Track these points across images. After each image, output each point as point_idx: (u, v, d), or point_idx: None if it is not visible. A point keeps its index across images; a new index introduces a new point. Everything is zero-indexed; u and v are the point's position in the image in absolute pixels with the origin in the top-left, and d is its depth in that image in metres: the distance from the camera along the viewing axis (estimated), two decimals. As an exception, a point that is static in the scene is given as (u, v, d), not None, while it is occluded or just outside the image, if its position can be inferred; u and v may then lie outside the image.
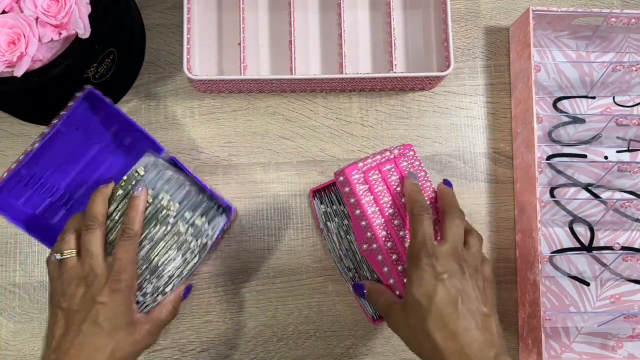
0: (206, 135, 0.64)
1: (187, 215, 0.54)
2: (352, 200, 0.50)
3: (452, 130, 0.66)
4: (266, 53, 0.65)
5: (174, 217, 0.54)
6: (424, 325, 0.44)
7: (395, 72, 0.62)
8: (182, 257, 0.55)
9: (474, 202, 0.65)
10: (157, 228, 0.54)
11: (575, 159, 0.65)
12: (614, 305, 0.63)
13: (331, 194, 0.59)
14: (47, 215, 0.58)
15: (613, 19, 0.62)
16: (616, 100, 0.67)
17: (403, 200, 0.51)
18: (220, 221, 0.55)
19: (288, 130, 0.65)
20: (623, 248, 0.64)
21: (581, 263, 0.64)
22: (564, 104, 0.67)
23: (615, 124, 0.64)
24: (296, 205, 0.63)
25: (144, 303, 0.54)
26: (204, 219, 0.54)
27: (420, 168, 0.53)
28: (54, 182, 0.58)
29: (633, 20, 0.62)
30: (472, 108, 0.66)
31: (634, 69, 0.64)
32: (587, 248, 0.64)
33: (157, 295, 0.54)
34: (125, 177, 0.54)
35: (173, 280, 0.55)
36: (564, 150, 0.66)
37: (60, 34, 0.50)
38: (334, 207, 0.58)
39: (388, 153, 0.53)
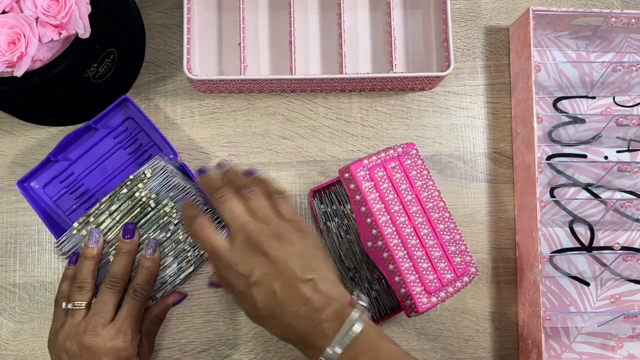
0: (206, 135, 0.64)
1: None
2: (358, 197, 0.51)
3: (452, 130, 0.66)
4: (266, 53, 0.65)
5: (175, 224, 0.54)
6: (260, 323, 0.44)
7: (395, 72, 0.62)
8: (177, 265, 0.55)
9: (474, 202, 0.65)
10: (156, 233, 0.54)
11: (575, 159, 0.65)
12: (614, 305, 0.63)
13: (331, 194, 0.59)
14: (61, 205, 0.59)
15: (613, 19, 0.62)
16: (616, 100, 0.67)
17: (409, 198, 0.51)
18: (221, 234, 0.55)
19: (288, 130, 0.65)
20: (623, 248, 0.64)
21: (581, 263, 0.64)
22: (564, 104, 0.67)
23: (615, 124, 0.64)
24: (296, 205, 0.63)
25: None
26: None
27: (423, 167, 0.54)
28: (77, 176, 0.60)
29: (633, 20, 0.62)
30: (472, 108, 0.66)
31: (634, 69, 0.64)
32: (587, 248, 0.64)
33: (150, 300, 0.55)
34: (131, 177, 0.54)
35: (165, 286, 0.55)
36: (564, 150, 0.66)
37: (60, 34, 0.50)
38: (334, 207, 0.58)
39: (392, 151, 0.53)
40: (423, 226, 0.51)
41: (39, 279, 0.61)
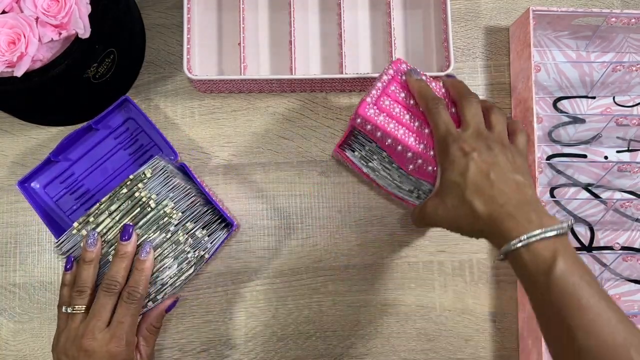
0: (206, 135, 0.64)
1: (189, 225, 0.54)
2: (379, 133, 0.52)
3: (452, 130, 0.66)
4: (266, 53, 0.65)
5: (175, 225, 0.54)
6: (463, 199, 0.46)
7: (395, 72, 0.62)
8: (177, 266, 0.55)
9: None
10: (156, 234, 0.54)
11: (575, 159, 0.65)
12: (614, 305, 0.63)
13: (357, 138, 0.58)
14: (61, 205, 0.59)
15: (613, 19, 0.62)
16: (616, 100, 0.67)
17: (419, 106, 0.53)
18: (221, 236, 0.55)
19: (288, 130, 0.65)
20: (623, 248, 0.64)
21: (581, 263, 0.64)
22: (564, 104, 0.67)
23: (615, 124, 0.64)
24: (296, 205, 0.63)
25: None
26: (205, 231, 0.54)
27: (420, 73, 0.55)
28: (77, 177, 0.60)
29: (633, 20, 0.62)
30: (472, 108, 0.66)
31: (634, 69, 0.64)
32: (587, 248, 0.64)
33: (148, 302, 0.54)
34: (131, 177, 0.54)
35: (165, 288, 0.55)
36: (564, 150, 0.66)
37: (60, 34, 0.50)
38: (367, 147, 0.58)
39: (385, 77, 0.54)
40: None
41: (39, 279, 0.61)
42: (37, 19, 0.50)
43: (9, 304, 0.60)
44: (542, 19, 0.63)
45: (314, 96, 0.65)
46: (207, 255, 0.55)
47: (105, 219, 0.54)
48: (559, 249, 0.41)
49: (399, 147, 0.52)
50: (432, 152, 0.51)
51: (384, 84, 0.53)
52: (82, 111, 0.62)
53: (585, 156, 0.66)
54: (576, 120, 0.65)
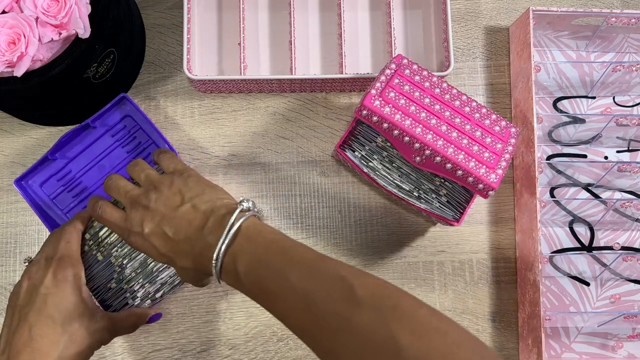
0: (206, 135, 0.64)
1: None
2: (385, 125, 0.53)
3: (452, 130, 0.66)
4: (266, 53, 0.65)
5: None
6: (171, 262, 0.47)
7: (395, 72, 0.62)
8: None
9: (474, 201, 0.65)
10: None
11: (575, 159, 0.65)
12: (614, 305, 0.63)
13: (358, 138, 0.59)
14: (58, 203, 0.60)
15: (613, 19, 0.62)
16: (616, 100, 0.67)
17: (428, 101, 0.54)
18: None
19: (288, 130, 0.65)
20: (623, 248, 0.64)
21: (581, 263, 0.64)
22: (564, 104, 0.67)
23: (615, 124, 0.64)
24: (296, 205, 0.63)
25: (133, 306, 0.54)
26: None
27: (421, 69, 0.55)
28: (74, 175, 0.60)
29: (633, 20, 0.62)
30: (472, 108, 0.66)
31: (634, 69, 0.64)
32: (587, 248, 0.64)
33: (147, 300, 0.55)
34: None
35: (164, 287, 0.55)
36: (564, 150, 0.66)
37: (60, 34, 0.50)
38: (367, 147, 0.58)
39: (388, 71, 0.55)
40: (453, 117, 0.53)
41: (39, 279, 0.61)
42: (37, 19, 0.50)
43: (9, 304, 0.60)
44: (542, 19, 0.63)
45: (314, 96, 0.65)
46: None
47: None
48: (236, 253, 0.43)
49: (406, 139, 0.52)
50: (439, 142, 0.52)
51: (388, 77, 0.54)
52: (82, 111, 0.62)
53: (585, 156, 0.66)
54: (576, 120, 0.65)
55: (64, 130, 0.63)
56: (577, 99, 0.67)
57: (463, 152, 0.52)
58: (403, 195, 0.58)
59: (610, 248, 0.64)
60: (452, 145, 0.52)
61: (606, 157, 0.66)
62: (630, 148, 0.66)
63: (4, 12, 0.50)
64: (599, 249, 0.64)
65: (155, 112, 0.64)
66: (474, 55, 0.68)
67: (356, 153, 0.59)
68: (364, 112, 0.53)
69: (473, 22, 0.68)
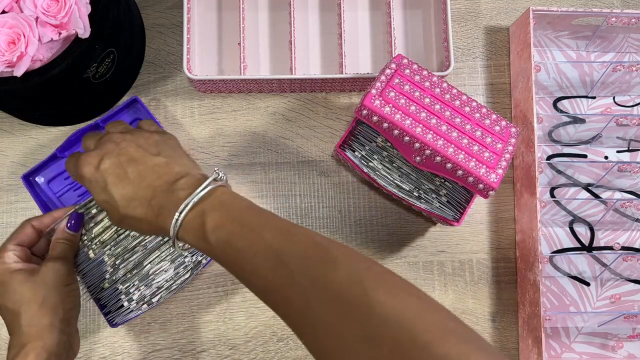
0: (206, 135, 0.64)
1: None
2: (385, 124, 0.53)
3: (452, 130, 0.66)
4: (266, 53, 0.65)
5: None
6: (120, 213, 0.44)
7: (395, 72, 0.62)
8: (174, 270, 0.54)
9: (474, 201, 0.65)
10: (153, 236, 0.54)
11: (575, 159, 0.65)
12: (614, 305, 0.63)
13: (358, 138, 0.59)
14: (64, 201, 0.60)
15: (613, 19, 0.62)
16: (616, 100, 0.67)
17: (428, 100, 0.54)
18: None
19: (288, 130, 0.65)
20: (623, 248, 0.64)
21: (581, 263, 0.64)
22: (564, 104, 0.67)
23: (615, 124, 0.64)
24: (296, 205, 0.63)
25: (128, 309, 0.54)
26: None
27: (421, 69, 0.55)
28: None
29: (633, 20, 0.62)
30: (472, 108, 0.66)
31: (634, 69, 0.64)
32: (587, 248, 0.64)
33: (143, 304, 0.54)
34: None
35: (161, 292, 0.55)
36: (564, 150, 0.66)
37: (60, 33, 0.50)
38: (367, 147, 0.58)
39: (388, 70, 0.55)
40: (454, 117, 0.53)
41: (38, 279, 0.61)
42: (37, 18, 0.50)
43: (9, 304, 0.60)
44: (542, 19, 0.63)
45: (314, 96, 0.65)
46: (204, 261, 0.55)
47: (104, 218, 0.54)
48: (205, 210, 0.41)
49: (406, 138, 0.53)
50: (440, 142, 0.52)
51: (388, 77, 0.54)
52: (82, 111, 0.62)
53: (585, 156, 0.66)
54: (576, 120, 0.65)
55: (64, 130, 0.63)
56: (577, 99, 0.67)
57: (463, 152, 0.52)
58: (403, 195, 0.58)
59: (610, 248, 0.64)
60: (452, 145, 0.52)
61: (606, 157, 0.66)
62: (630, 148, 0.66)
63: (3, 12, 0.50)
64: (599, 249, 0.64)
65: (155, 112, 0.64)
66: (474, 55, 0.68)
67: (356, 153, 0.59)
68: (364, 111, 0.53)
69: (473, 22, 0.68)
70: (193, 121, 0.64)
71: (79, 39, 0.51)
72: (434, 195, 0.58)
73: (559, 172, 0.65)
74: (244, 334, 0.61)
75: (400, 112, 0.53)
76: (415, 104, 0.53)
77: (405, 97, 0.53)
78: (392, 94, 0.53)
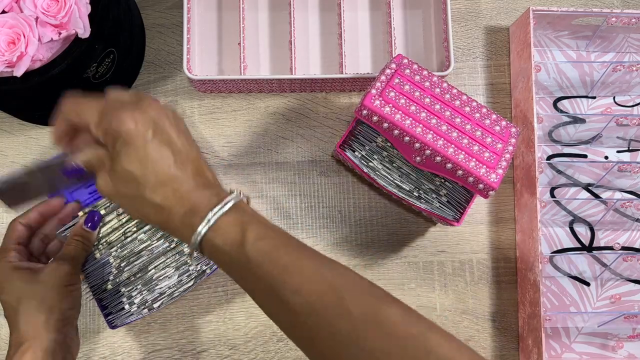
0: (206, 135, 0.64)
1: None
2: (385, 125, 0.53)
3: (452, 130, 0.66)
4: (266, 53, 0.65)
5: None
6: (143, 195, 0.39)
7: (395, 72, 0.62)
8: (178, 277, 0.54)
9: (474, 201, 0.65)
10: (160, 242, 0.54)
11: (575, 159, 0.65)
12: (614, 305, 0.63)
13: (358, 138, 0.59)
14: (75, 196, 0.60)
15: (613, 19, 0.62)
16: (616, 100, 0.67)
17: (429, 100, 0.53)
18: None
19: (288, 130, 0.65)
20: (623, 248, 0.64)
21: (581, 263, 0.64)
22: (564, 104, 0.67)
23: (615, 124, 0.64)
24: (296, 205, 0.63)
25: (129, 312, 0.54)
26: None
27: (421, 69, 0.55)
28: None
29: (633, 20, 0.62)
30: (472, 108, 0.66)
31: (634, 68, 0.64)
32: (588, 248, 0.64)
33: (144, 309, 0.54)
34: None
35: (163, 298, 0.54)
36: (564, 150, 0.66)
37: (60, 33, 0.50)
38: (367, 147, 0.58)
39: (388, 70, 0.55)
40: (454, 117, 0.53)
41: (38, 279, 0.61)
42: (36, 18, 0.50)
43: (9, 304, 0.60)
44: (542, 18, 0.63)
45: (314, 96, 0.65)
46: (208, 271, 0.55)
47: (113, 219, 0.54)
48: (244, 221, 0.39)
49: (406, 138, 0.52)
50: (440, 142, 0.52)
51: (388, 77, 0.54)
52: (82, 111, 0.62)
53: (585, 156, 0.66)
54: (576, 120, 0.65)
55: (63, 130, 0.63)
56: (578, 99, 0.67)
57: (463, 152, 0.52)
58: (403, 195, 0.58)
59: (610, 248, 0.64)
60: (453, 145, 0.52)
61: (606, 157, 0.66)
62: (630, 148, 0.66)
63: (3, 12, 0.50)
64: (599, 249, 0.64)
65: (155, 112, 0.64)
66: (474, 55, 0.68)
67: (356, 153, 0.59)
68: (364, 111, 0.53)
69: (473, 21, 0.68)
70: (193, 121, 0.64)
71: (79, 39, 0.51)
72: (434, 195, 0.58)
73: (559, 172, 0.65)
74: (243, 334, 0.61)
75: (400, 112, 0.53)
76: (415, 104, 0.53)
77: (405, 97, 0.53)
78: (392, 94, 0.53)
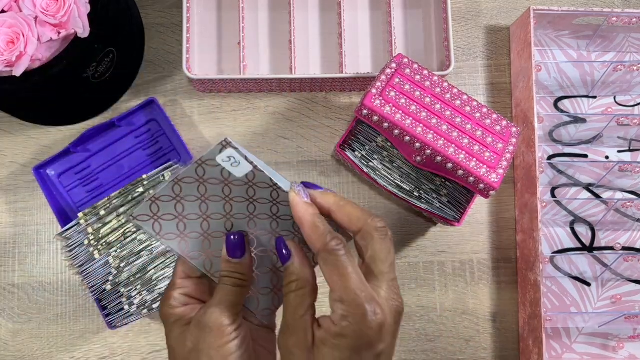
0: (206, 135, 0.64)
1: None
2: (386, 124, 0.53)
3: (452, 130, 0.66)
4: (266, 53, 0.65)
5: None
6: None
7: (395, 72, 0.62)
8: None
9: (475, 201, 0.64)
10: (159, 242, 0.54)
11: (576, 159, 0.65)
12: (615, 305, 0.63)
13: (358, 138, 0.59)
14: (72, 196, 0.60)
15: (614, 19, 0.62)
16: (617, 100, 0.67)
17: (429, 100, 0.53)
18: None
19: (288, 130, 0.64)
20: (624, 248, 0.64)
21: (582, 263, 0.64)
22: (565, 104, 0.66)
23: (616, 124, 0.64)
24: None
25: (128, 313, 0.54)
26: None
27: (421, 68, 0.55)
28: (92, 170, 0.61)
29: (634, 19, 0.62)
30: (473, 108, 0.66)
31: (635, 68, 0.64)
32: (588, 248, 0.64)
33: (143, 309, 0.54)
34: (145, 176, 0.54)
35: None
36: (565, 150, 0.65)
37: (59, 33, 0.50)
38: (367, 147, 0.58)
39: (388, 70, 0.55)
40: (454, 117, 0.53)
41: (38, 279, 0.61)
42: (36, 18, 0.50)
43: (8, 304, 0.60)
44: (542, 18, 0.63)
45: (314, 96, 0.65)
46: None
47: (112, 219, 0.54)
48: None
49: (407, 138, 0.52)
50: (440, 142, 0.52)
51: (388, 76, 0.54)
52: (81, 111, 0.62)
53: (586, 156, 0.65)
54: (577, 120, 0.65)
55: (63, 130, 0.63)
56: (578, 99, 0.67)
57: (464, 152, 0.52)
58: (403, 196, 0.58)
59: (611, 248, 0.64)
60: (453, 145, 0.52)
61: (607, 157, 0.65)
62: (631, 148, 0.66)
63: (3, 11, 0.50)
64: (600, 249, 0.64)
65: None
66: (475, 54, 0.67)
67: (356, 153, 0.58)
68: (365, 111, 0.53)
69: (474, 21, 0.68)
70: (192, 121, 0.64)
71: (78, 38, 0.51)
72: (434, 196, 0.58)
73: (560, 172, 0.65)
74: (243, 334, 0.61)
75: (400, 111, 0.52)
76: (415, 104, 0.53)
77: (405, 97, 0.53)
78: (393, 93, 0.53)
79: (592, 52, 0.68)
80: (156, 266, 0.54)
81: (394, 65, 0.55)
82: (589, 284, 0.64)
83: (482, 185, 0.52)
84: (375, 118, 0.53)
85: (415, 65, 0.55)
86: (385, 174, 0.58)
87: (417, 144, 0.52)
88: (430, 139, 0.52)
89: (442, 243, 0.64)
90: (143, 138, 0.61)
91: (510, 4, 0.69)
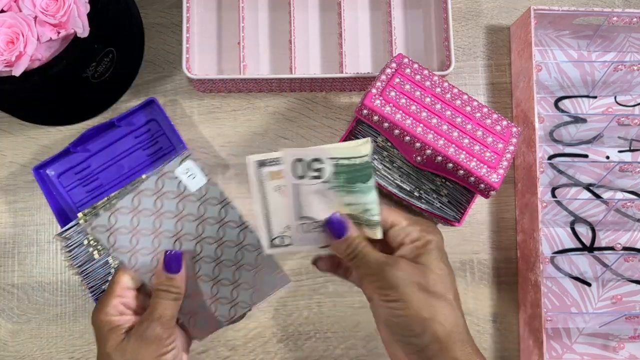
0: (206, 135, 0.64)
1: None
2: (386, 124, 0.53)
3: (452, 130, 0.66)
4: (266, 53, 0.65)
5: None
6: (431, 302, 0.38)
7: (395, 72, 0.62)
8: None
9: (475, 201, 0.64)
10: None
11: (576, 159, 0.65)
12: (615, 306, 0.63)
13: (358, 138, 0.58)
14: (72, 196, 0.60)
15: (614, 19, 0.62)
16: (618, 99, 0.67)
17: (429, 99, 0.53)
18: None
19: (288, 130, 0.64)
20: (624, 248, 0.64)
21: (582, 263, 0.64)
22: (565, 104, 0.66)
23: (616, 124, 0.64)
24: (296, 205, 0.63)
25: None
26: None
27: (422, 68, 0.55)
28: (92, 170, 0.61)
29: (634, 19, 0.62)
30: (473, 108, 0.66)
31: (635, 68, 0.64)
32: (589, 248, 0.64)
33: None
34: (144, 176, 0.54)
35: None
36: (565, 150, 0.65)
37: (59, 33, 0.50)
38: None
39: (389, 70, 0.54)
40: (455, 116, 0.53)
41: (37, 279, 0.61)
42: (35, 18, 0.50)
43: (7, 304, 0.60)
44: (543, 18, 0.63)
45: (314, 96, 0.65)
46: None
47: None
48: None
49: (407, 138, 0.52)
50: (440, 142, 0.52)
51: (388, 76, 0.54)
52: (81, 111, 0.62)
53: (586, 156, 0.65)
54: (577, 120, 0.65)
55: (63, 130, 0.63)
56: (579, 99, 0.67)
57: (464, 152, 0.52)
58: (404, 196, 0.58)
59: (611, 248, 0.64)
60: (453, 145, 0.52)
61: (608, 157, 0.65)
62: (631, 148, 0.66)
63: (2, 11, 0.50)
64: (601, 250, 0.64)
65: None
66: (475, 54, 0.67)
67: None
68: (365, 111, 0.53)
69: (474, 21, 0.68)
70: (192, 121, 0.64)
71: (78, 38, 0.51)
72: (434, 196, 0.58)
73: (560, 172, 0.65)
74: (243, 335, 0.61)
75: (400, 111, 0.52)
76: (415, 104, 0.53)
77: (405, 97, 0.53)
78: (393, 93, 0.53)
79: (592, 52, 0.68)
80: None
81: (394, 65, 0.55)
82: (589, 284, 0.64)
83: (482, 186, 0.52)
84: (376, 118, 0.53)
85: (416, 65, 0.55)
86: (385, 174, 0.58)
87: (418, 144, 0.52)
88: (430, 138, 0.52)
89: (443, 243, 0.64)
90: (143, 138, 0.61)
91: (511, 3, 0.69)
